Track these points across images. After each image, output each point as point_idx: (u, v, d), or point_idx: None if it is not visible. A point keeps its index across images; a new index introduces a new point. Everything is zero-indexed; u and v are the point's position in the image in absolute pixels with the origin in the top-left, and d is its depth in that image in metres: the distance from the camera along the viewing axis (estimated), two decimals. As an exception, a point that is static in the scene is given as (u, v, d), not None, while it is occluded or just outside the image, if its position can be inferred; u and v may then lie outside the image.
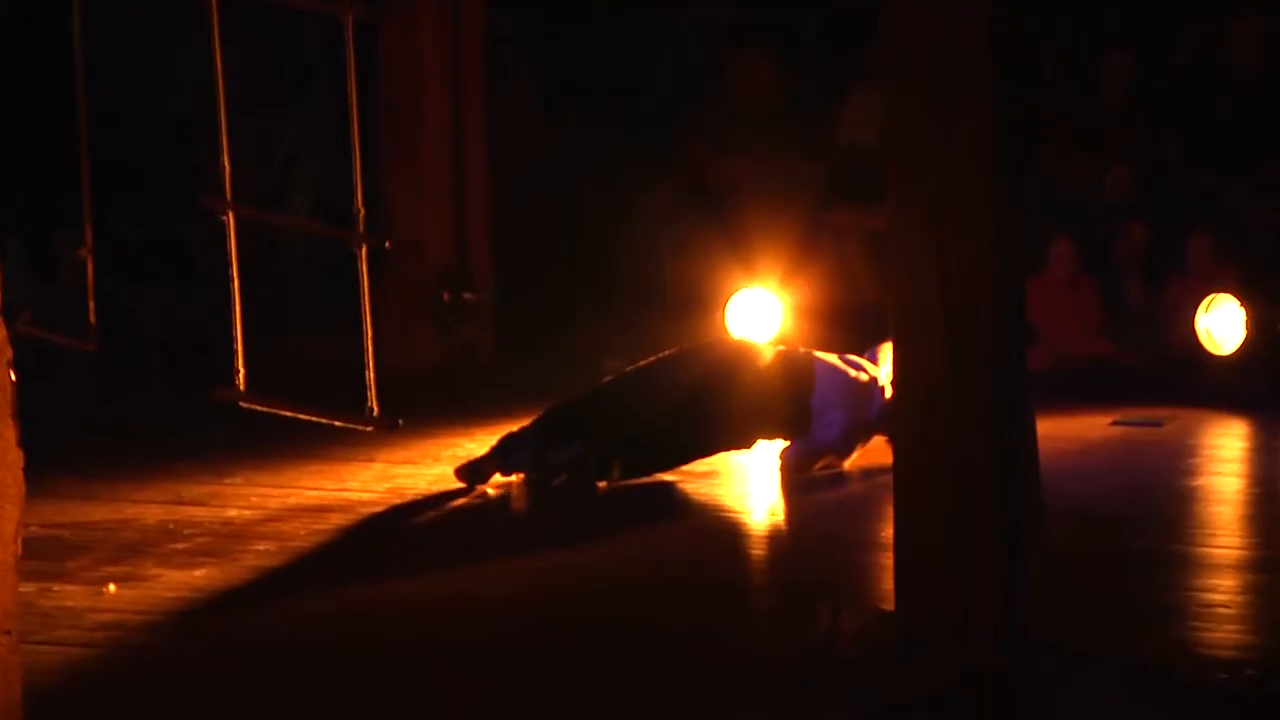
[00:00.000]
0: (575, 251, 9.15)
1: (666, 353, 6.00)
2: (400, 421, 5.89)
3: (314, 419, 5.90)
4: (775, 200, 8.56)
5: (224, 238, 5.82)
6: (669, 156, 8.98)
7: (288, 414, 5.88)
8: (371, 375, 5.74)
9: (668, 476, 5.85)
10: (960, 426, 3.74)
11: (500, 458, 5.77)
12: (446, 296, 8.51)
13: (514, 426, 5.90)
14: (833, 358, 6.03)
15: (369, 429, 5.87)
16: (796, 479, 5.79)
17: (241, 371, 5.81)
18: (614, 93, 8.99)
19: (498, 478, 5.76)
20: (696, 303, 8.05)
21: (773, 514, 5.62)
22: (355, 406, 5.82)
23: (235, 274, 5.80)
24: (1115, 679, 3.75)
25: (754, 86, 8.85)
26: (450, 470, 5.86)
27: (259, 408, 5.85)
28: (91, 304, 6.67)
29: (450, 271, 8.56)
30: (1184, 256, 8.08)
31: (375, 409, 5.78)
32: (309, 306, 8.59)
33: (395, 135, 8.45)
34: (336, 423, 5.91)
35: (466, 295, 8.51)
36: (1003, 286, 3.75)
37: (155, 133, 8.70)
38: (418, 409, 7.53)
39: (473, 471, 5.77)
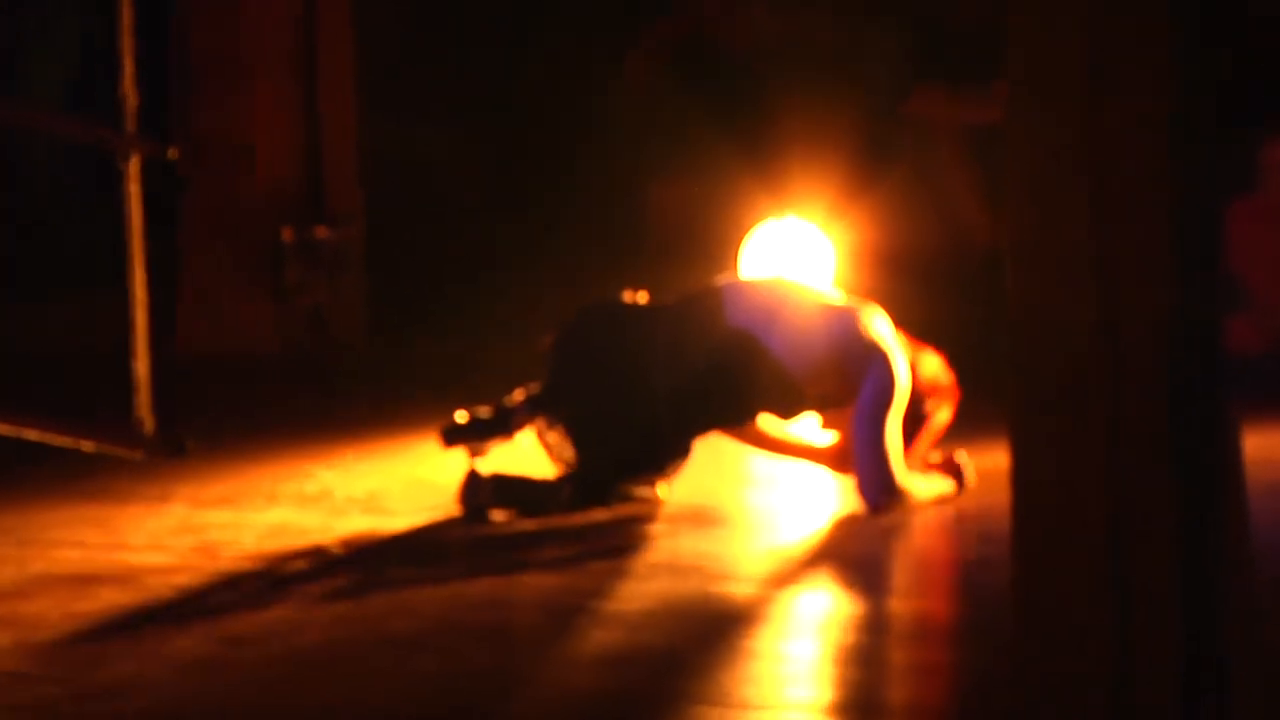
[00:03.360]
0: (496, 163, 9.19)
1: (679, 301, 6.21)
2: (188, 445, 5.87)
3: (49, 440, 5.85)
4: (821, 79, 8.61)
5: None
6: (648, 4, 9.03)
7: (3, 432, 5.85)
8: (142, 369, 5.70)
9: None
10: (1121, 444, 3.75)
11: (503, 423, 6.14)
12: (289, 235, 8.54)
13: (395, 441, 5.93)
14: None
15: (137, 456, 5.86)
16: (874, 437, 5.97)
17: None
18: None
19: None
20: (692, 242, 8.10)
21: (821, 577, 5.65)
22: (123, 417, 5.74)
23: None
24: None
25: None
26: (286, 518, 5.88)
27: None
28: None
29: (295, 195, 8.59)
30: None
31: (148, 424, 5.74)
32: (84, 247, 8.65)
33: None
34: (83, 446, 5.89)
35: (320, 233, 8.55)
36: (1188, 215, 3.76)
37: None
38: (240, 415, 7.56)
39: (477, 430, 6.08)
